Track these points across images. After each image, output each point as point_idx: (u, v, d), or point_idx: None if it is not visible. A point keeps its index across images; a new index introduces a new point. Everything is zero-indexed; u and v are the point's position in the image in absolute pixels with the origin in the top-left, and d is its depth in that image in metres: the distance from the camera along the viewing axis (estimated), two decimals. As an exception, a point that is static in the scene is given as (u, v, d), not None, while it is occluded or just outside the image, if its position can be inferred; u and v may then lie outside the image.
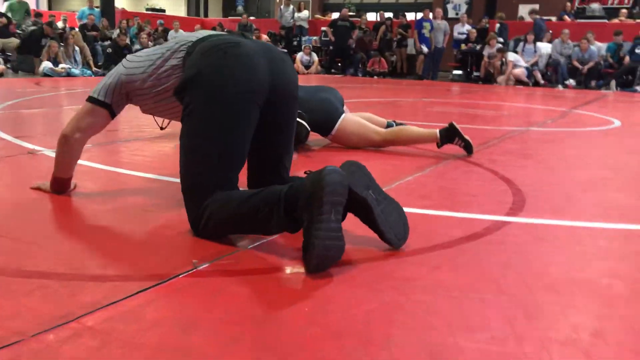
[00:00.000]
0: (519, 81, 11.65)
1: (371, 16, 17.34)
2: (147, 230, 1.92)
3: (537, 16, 12.22)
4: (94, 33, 12.68)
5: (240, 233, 1.81)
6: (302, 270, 1.59)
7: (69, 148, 2.17)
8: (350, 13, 15.89)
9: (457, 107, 7.12)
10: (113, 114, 2.12)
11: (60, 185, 2.25)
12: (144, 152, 3.34)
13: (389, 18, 14.62)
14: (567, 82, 11.63)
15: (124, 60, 2.11)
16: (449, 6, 18.18)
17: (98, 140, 3.53)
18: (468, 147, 3.36)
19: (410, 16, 17.11)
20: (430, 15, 12.96)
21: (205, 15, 21.51)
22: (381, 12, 15.38)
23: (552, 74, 12.17)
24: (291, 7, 15.37)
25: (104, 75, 10.70)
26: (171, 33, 14.85)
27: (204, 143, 1.78)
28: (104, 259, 1.64)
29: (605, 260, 1.77)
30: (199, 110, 1.78)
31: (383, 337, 1.23)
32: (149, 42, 12.01)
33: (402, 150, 3.54)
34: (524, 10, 17.35)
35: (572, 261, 1.75)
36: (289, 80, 1.91)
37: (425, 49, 12.76)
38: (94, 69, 10.59)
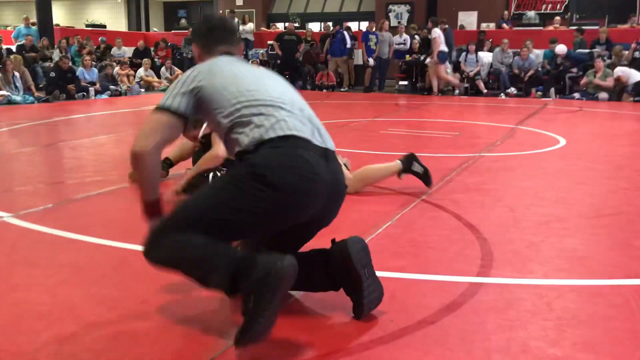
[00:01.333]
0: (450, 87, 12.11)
1: (314, 26, 17.49)
2: (124, 328, 1.91)
3: (446, 26, 12.46)
4: (33, 54, 12.28)
5: (181, 271, 1.81)
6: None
7: (150, 164, 1.90)
8: (295, 25, 15.96)
9: (409, 127, 7.29)
10: (185, 128, 1.98)
11: (154, 208, 1.95)
12: (94, 213, 3.29)
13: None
14: (508, 90, 12.04)
15: (213, 77, 1.93)
16: (391, 15, 18.53)
17: (49, 199, 3.46)
18: (426, 179, 3.61)
19: (354, 26, 17.37)
20: (373, 28, 13.25)
21: (147, 29, 21.12)
22: (325, 23, 15.52)
23: (494, 82, 12.58)
24: (236, 19, 15.30)
25: (47, 101, 10.42)
26: (114, 50, 14.56)
27: (223, 209, 1.78)
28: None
29: (578, 329, 1.88)
30: (248, 184, 1.76)
31: None
32: (92, 63, 11.71)
33: (366, 189, 3.62)
34: (462, 18, 17.90)
35: (547, 333, 1.85)
36: (337, 211, 1.99)
37: (372, 62, 12.98)
38: (37, 94, 10.25)
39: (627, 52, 11.48)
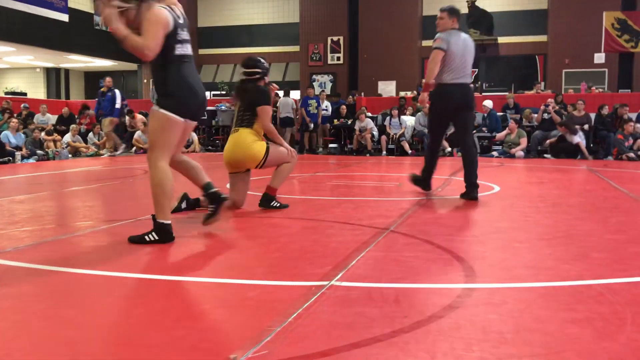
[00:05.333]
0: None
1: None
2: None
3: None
4: (-49, 120, 11.80)
5: None
6: None
7: None
8: (223, 92, 16.33)
9: (352, 179, 7.58)
10: None
11: None
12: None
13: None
14: (432, 151, 12.75)
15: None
16: (315, 84, 19.35)
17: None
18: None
19: (280, 93, 17.93)
20: (312, 94, 13.88)
21: (67, 97, 20.79)
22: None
23: (418, 143, 13.30)
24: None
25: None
26: (37, 117, 14.19)
27: None
28: None
29: (557, 312, 2.10)
30: None
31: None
32: (19, 126, 11.42)
33: (335, 226, 3.78)
34: (382, 87, 18.98)
35: (540, 317, 2.05)
36: None
37: (312, 125, 13.51)
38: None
39: (536, 115, 12.55)
